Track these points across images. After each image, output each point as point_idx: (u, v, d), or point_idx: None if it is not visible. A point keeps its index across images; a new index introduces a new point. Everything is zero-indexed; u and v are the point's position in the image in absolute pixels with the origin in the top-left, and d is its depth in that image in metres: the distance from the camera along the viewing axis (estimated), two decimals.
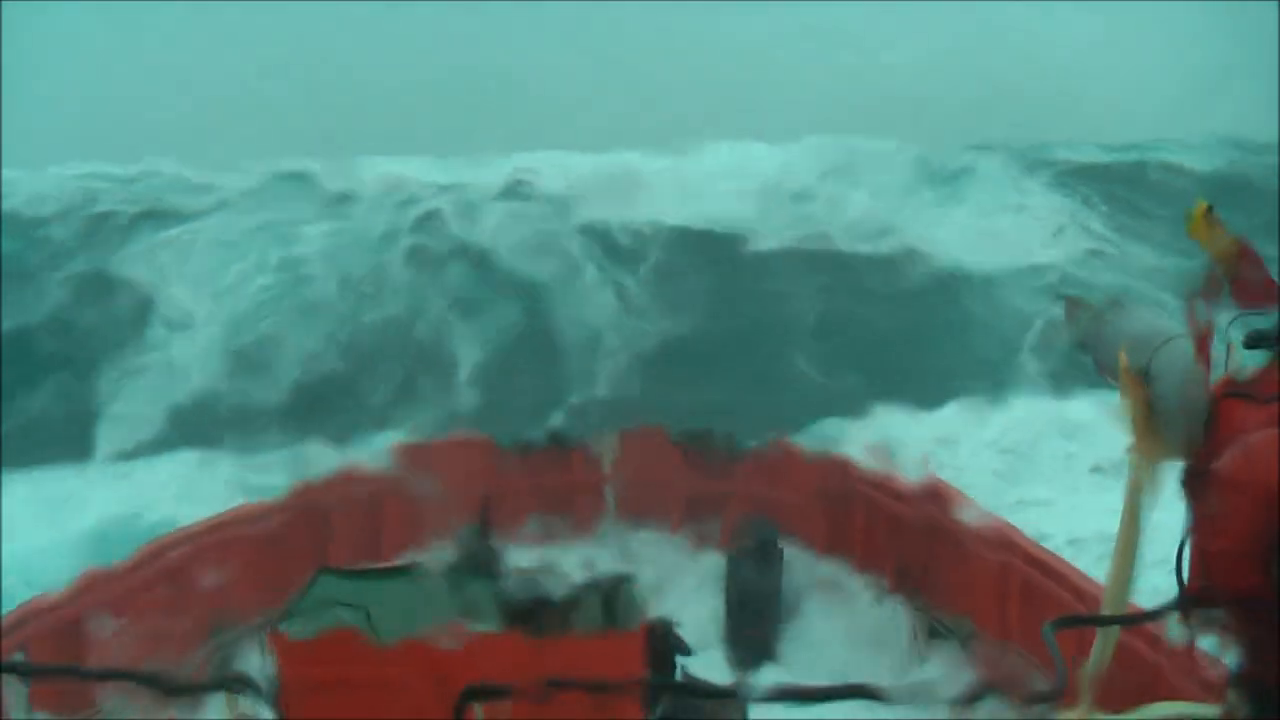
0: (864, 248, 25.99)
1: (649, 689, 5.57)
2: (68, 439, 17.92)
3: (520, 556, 10.22)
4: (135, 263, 24.17)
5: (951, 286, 24.77)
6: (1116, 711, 4.91)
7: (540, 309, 22.75)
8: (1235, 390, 3.60)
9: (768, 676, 8.05)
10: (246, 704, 4.36)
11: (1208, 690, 5.13)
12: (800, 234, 26.30)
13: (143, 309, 22.61)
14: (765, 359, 22.03)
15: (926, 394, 18.76)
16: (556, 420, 17.37)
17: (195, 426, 18.48)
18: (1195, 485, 3.37)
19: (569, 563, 9.56)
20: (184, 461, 17.09)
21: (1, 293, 22.68)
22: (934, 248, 25.90)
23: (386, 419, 17.58)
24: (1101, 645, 4.78)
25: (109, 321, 22.32)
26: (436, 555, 9.97)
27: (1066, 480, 15.59)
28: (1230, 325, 3.92)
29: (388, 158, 27.42)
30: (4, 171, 26.24)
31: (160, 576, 8.05)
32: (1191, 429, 3.61)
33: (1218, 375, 3.78)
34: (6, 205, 25.94)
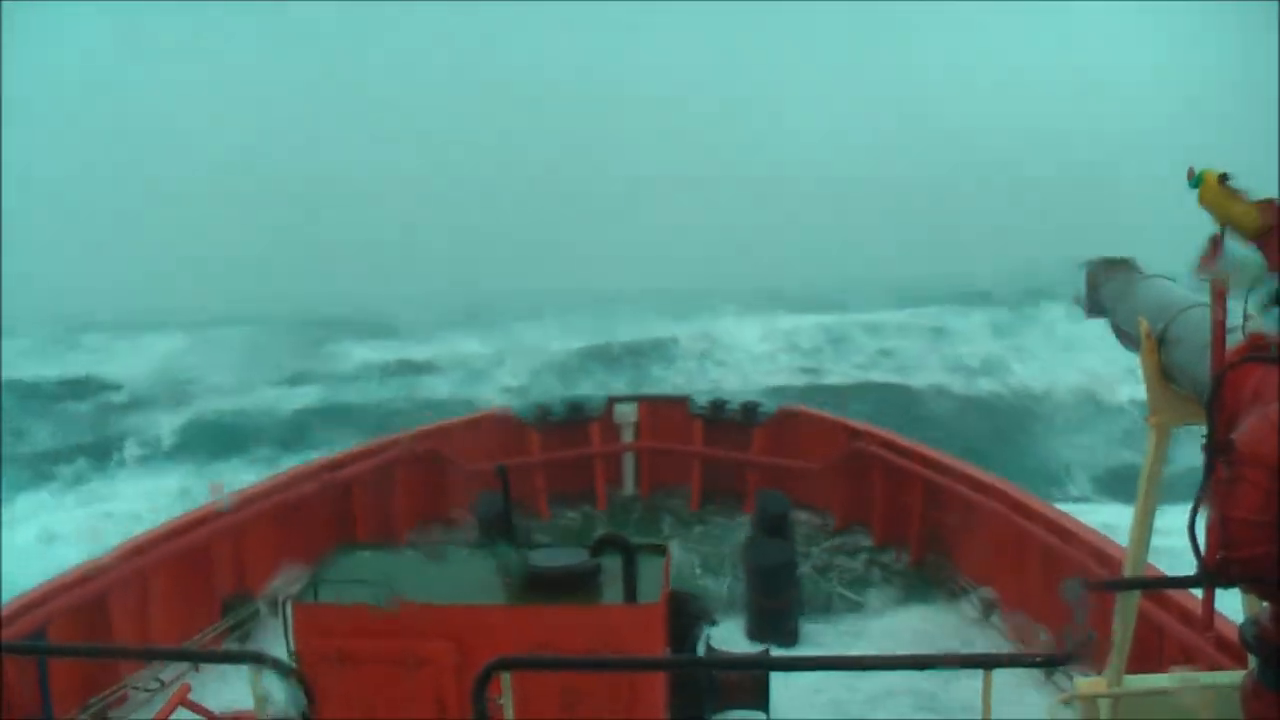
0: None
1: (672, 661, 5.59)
2: None
3: (541, 527, 10.34)
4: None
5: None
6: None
7: None
8: (1257, 354, 3.56)
9: (787, 646, 8.08)
10: (269, 678, 4.37)
11: (1229, 656, 5.12)
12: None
13: None
14: None
15: None
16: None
17: None
18: (1215, 453, 3.34)
19: (590, 533, 9.63)
20: None
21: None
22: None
23: None
24: (1123, 610, 4.77)
25: None
26: (458, 528, 10.06)
27: None
28: (1251, 291, 3.87)
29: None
30: None
31: (180, 552, 8.09)
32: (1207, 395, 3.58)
33: (1237, 340, 3.75)
34: None
